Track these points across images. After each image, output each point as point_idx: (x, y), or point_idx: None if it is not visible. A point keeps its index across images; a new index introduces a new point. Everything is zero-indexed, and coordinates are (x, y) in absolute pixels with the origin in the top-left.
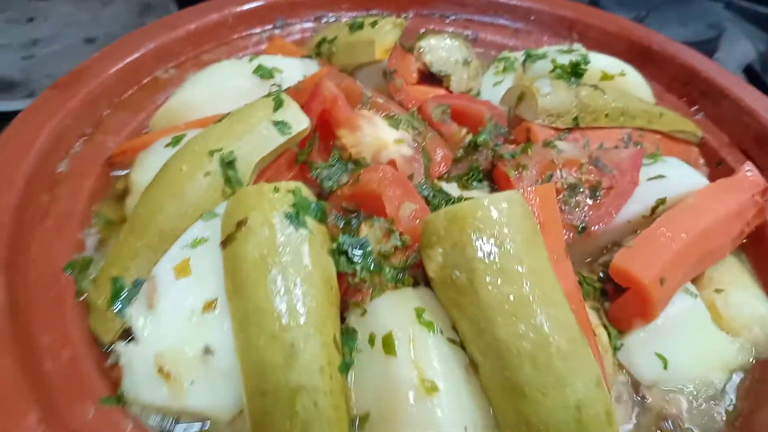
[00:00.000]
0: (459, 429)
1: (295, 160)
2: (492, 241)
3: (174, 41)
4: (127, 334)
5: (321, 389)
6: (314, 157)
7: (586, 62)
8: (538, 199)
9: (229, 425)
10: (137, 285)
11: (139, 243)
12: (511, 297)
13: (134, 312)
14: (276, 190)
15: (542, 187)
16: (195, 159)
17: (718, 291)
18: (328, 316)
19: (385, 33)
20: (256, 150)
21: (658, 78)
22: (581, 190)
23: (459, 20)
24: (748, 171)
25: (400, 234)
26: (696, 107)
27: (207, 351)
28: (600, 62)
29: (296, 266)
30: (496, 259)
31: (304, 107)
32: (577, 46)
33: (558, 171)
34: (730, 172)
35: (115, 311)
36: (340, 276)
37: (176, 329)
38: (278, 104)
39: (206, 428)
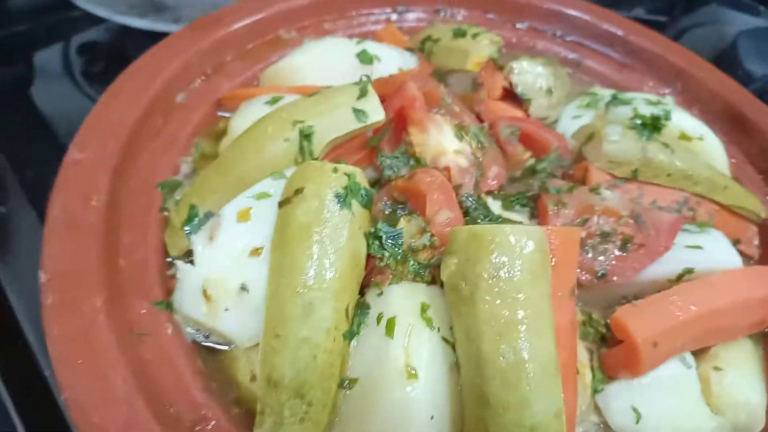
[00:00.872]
0: (425, 415)
1: (366, 144)
2: (500, 265)
3: (302, 6)
4: (189, 255)
5: (322, 346)
6: (384, 145)
7: (667, 118)
8: (560, 239)
9: (245, 352)
10: (207, 217)
11: (220, 182)
12: (502, 318)
13: (198, 239)
14: (335, 170)
15: (569, 230)
16: (281, 124)
17: (716, 369)
18: (347, 288)
19: (481, 47)
20: (331, 130)
21: (743, 146)
22: (613, 239)
23: (570, 42)
24: None
25: (431, 235)
26: None
27: (243, 288)
28: (683, 122)
29: (332, 240)
30: (499, 282)
31: (386, 100)
32: (667, 99)
33: (595, 217)
34: None
35: (185, 232)
36: (370, 256)
37: (225, 263)
38: (362, 94)
39: (228, 349)
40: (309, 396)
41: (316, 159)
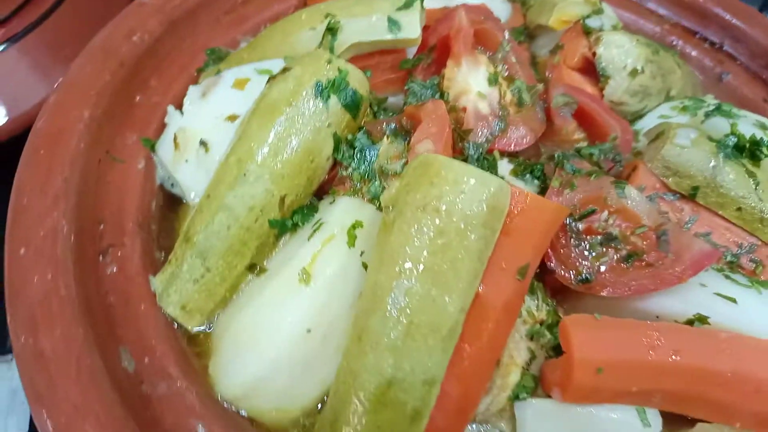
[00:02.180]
0: (301, 326)
1: (400, 65)
2: (433, 199)
3: None
4: None
5: (240, 221)
6: (419, 72)
7: None
8: (530, 207)
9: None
10: (219, 75)
11: (246, 54)
12: (411, 255)
13: (193, 91)
14: (329, 61)
15: (549, 203)
16: (314, 14)
17: None
18: (290, 177)
19: (570, 4)
20: (359, 33)
21: None
22: (617, 246)
23: (720, 51)
24: None
25: (406, 163)
26: None
27: (203, 144)
28: None
29: (292, 125)
30: (424, 217)
31: (433, 25)
32: None
33: (605, 213)
34: None
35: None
36: (337, 163)
37: (202, 120)
38: (406, 5)
39: (184, 202)
40: (210, 262)
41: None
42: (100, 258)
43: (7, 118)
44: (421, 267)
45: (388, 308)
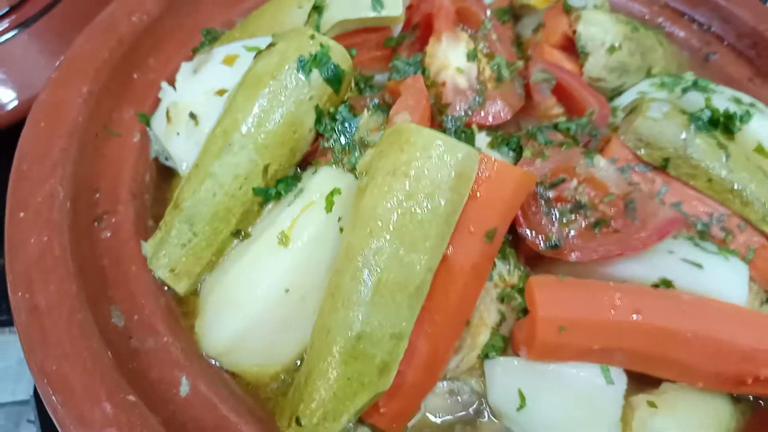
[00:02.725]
0: (279, 286)
1: (384, 42)
2: (402, 164)
3: None
4: None
5: (225, 188)
6: (403, 50)
7: (744, 121)
8: (497, 173)
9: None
10: (210, 52)
11: (238, 33)
12: (380, 216)
13: (185, 68)
14: (312, 37)
15: (516, 169)
16: None
17: (650, 405)
18: (273, 147)
19: None
20: (343, 10)
21: None
22: (586, 213)
23: (708, 32)
24: None
25: None
26: None
27: (193, 117)
28: (763, 131)
29: (275, 97)
30: (394, 180)
31: (417, 3)
32: (763, 106)
33: (575, 181)
34: None
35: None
36: (320, 135)
37: (193, 94)
38: None
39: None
40: (196, 227)
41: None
42: (95, 224)
43: (17, 102)
44: (391, 228)
45: (359, 267)
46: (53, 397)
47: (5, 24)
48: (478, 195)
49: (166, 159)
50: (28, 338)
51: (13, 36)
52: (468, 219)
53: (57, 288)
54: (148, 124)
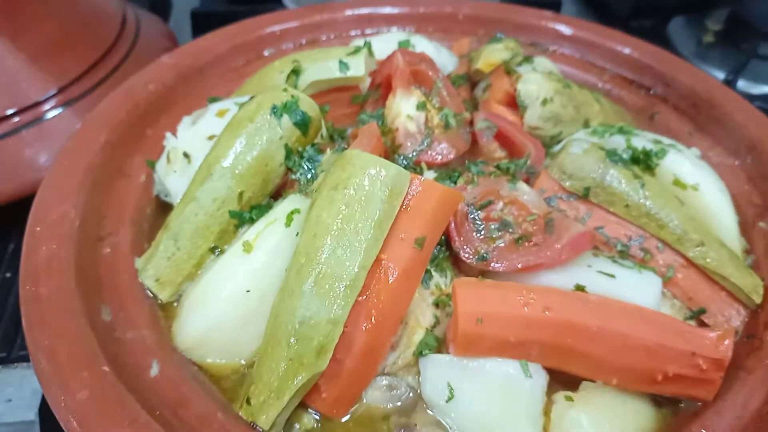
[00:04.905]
0: (242, 286)
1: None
2: (342, 180)
3: (409, 14)
4: None
5: (205, 209)
6: (370, 105)
7: (659, 156)
8: (424, 189)
9: None
10: (207, 107)
11: (234, 96)
12: (322, 222)
13: (186, 119)
14: (285, 90)
15: (441, 187)
16: (285, 61)
17: (568, 398)
18: (248, 177)
19: (494, 50)
20: (316, 73)
21: None
22: (511, 231)
23: (653, 95)
24: (717, 335)
25: None
26: None
27: (186, 156)
28: (678, 167)
29: (252, 136)
30: (335, 194)
31: (379, 67)
32: (685, 148)
33: (500, 203)
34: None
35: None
36: (289, 169)
37: (189, 140)
38: (354, 52)
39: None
40: (180, 242)
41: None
42: (99, 241)
43: None
44: (331, 231)
45: (303, 263)
46: (42, 366)
47: (52, 103)
48: (408, 207)
49: (166, 196)
50: (29, 319)
51: (58, 114)
52: (399, 228)
53: (58, 284)
54: (153, 167)
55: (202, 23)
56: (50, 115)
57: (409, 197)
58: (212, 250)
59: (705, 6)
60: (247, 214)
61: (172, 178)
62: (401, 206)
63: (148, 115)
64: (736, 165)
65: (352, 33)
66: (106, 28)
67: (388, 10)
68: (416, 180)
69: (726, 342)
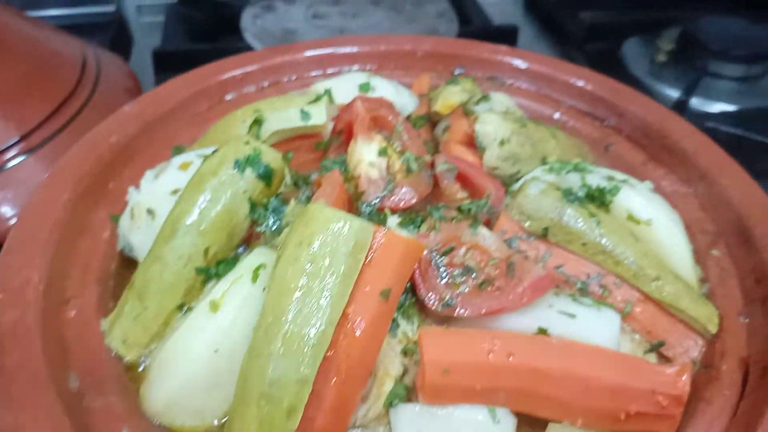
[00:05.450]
0: (209, 346)
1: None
2: (306, 236)
3: (369, 52)
4: None
5: (171, 267)
6: (331, 151)
7: (613, 193)
8: (386, 241)
9: None
10: (169, 161)
11: (197, 145)
12: (287, 280)
13: (149, 174)
14: (247, 143)
15: (402, 238)
16: (247, 111)
17: None
18: (213, 232)
19: (451, 93)
20: (278, 122)
21: (738, 261)
22: (474, 276)
23: (607, 127)
24: (675, 371)
25: None
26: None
27: (150, 212)
28: (631, 203)
29: (215, 191)
30: (299, 250)
31: (340, 113)
32: (638, 183)
33: (463, 249)
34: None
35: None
36: (254, 222)
37: (153, 195)
38: (315, 100)
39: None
40: (146, 302)
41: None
42: (63, 305)
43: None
44: (297, 289)
45: (270, 322)
46: None
47: (14, 151)
48: (372, 260)
49: (130, 251)
50: None
51: (21, 162)
52: (365, 280)
53: (23, 353)
54: (117, 222)
55: (165, 62)
56: (12, 163)
57: (373, 249)
58: (179, 307)
59: (657, 26)
60: (213, 269)
61: (137, 234)
62: (365, 259)
63: (111, 168)
64: (689, 193)
65: (314, 74)
66: (67, 71)
67: (348, 49)
68: (379, 232)
69: (683, 378)
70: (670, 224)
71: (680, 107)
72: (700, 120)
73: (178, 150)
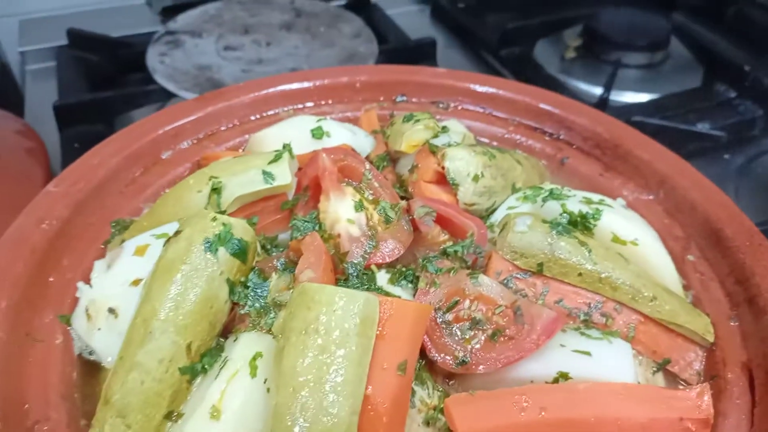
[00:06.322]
0: None
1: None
2: (312, 321)
3: (306, 89)
4: None
5: (152, 374)
6: (300, 209)
7: (596, 218)
8: (395, 311)
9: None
10: (121, 246)
11: (146, 222)
12: (300, 374)
13: (99, 264)
14: (214, 219)
15: (410, 304)
16: (201, 178)
17: None
18: (194, 326)
19: (415, 131)
20: (239, 187)
21: (715, 265)
22: (484, 327)
23: (559, 140)
24: (696, 394)
25: None
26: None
27: (112, 311)
28: (614, 224)
29: (188, 279)
30: (308, 339)
31: (304, 168)
32: (613, 202)
33: (467, 301)
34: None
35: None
36: (235, 303)
37: (109, 289)
38: (276, 158)
39: (106, 366)
40: (130, 418)
41: (223, 211)
42: None
43: None
44: (311, 382)
45: (289, 426)
46: None
47: None
48: (384, 333)
49: (90, 354)
50: None
51: None
52: (379, 357)
53: None
54: (68, 323)
55: (68, 116)
56: None
57: (383, 322)
58: (168, 416)
59: (563, 25)
60: (198, 365)
61: (98, 337)
62: (376, 333)
63: (49, 260)
64: (651, 200)
65: (252, 118)
66: None
67: (283, 87)
68: (386, 304)
69: (705, 398)
70: (652, 240)
71: (603, 104)
72: (624, 114)
73: (119, 224)
